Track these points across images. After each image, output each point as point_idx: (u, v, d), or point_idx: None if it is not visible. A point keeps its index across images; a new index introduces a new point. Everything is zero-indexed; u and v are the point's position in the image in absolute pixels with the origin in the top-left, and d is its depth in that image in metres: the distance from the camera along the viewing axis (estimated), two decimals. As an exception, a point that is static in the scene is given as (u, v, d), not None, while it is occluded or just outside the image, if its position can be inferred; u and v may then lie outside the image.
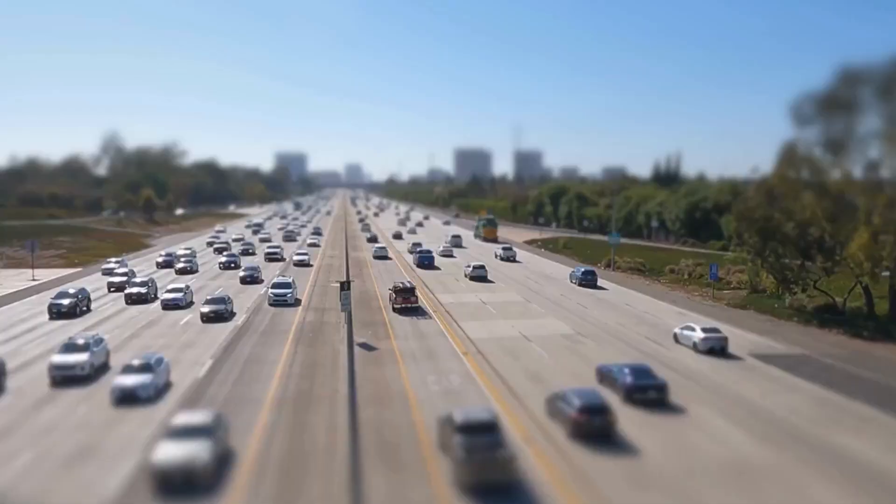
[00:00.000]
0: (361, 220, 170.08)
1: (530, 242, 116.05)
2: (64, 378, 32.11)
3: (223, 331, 44.16)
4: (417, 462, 23.22)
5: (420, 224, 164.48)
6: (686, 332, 40.81)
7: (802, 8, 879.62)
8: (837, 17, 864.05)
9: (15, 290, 62.77)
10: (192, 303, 53.63)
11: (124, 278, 63.26)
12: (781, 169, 49.49)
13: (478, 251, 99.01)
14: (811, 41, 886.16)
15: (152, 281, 58.97)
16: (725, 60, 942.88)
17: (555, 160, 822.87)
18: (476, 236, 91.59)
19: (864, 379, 34.32)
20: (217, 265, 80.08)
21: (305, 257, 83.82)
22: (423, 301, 56.10)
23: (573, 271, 69.85)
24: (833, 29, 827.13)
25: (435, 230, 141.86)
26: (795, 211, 48.46)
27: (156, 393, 30.02)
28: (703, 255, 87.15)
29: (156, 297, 55.76)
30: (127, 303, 54.46)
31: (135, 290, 55.55)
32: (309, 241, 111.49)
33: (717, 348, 38.79)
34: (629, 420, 27.16)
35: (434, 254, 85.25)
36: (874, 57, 49.05)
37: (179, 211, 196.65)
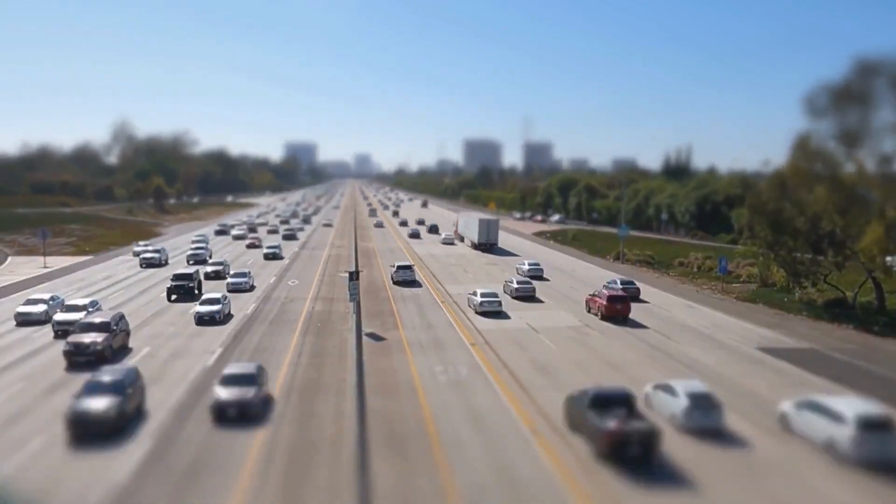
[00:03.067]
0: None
1: (538, 234, 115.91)
2: None
3: (231, 322, 44.45)
4: (425, 452, 23.28)
5: None
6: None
7: (813, 6, 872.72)
8: (849, 16, 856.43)
9: (27, 277, 63.25)
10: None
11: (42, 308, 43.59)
12: (794, 161, 49.12)
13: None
14: (822, 37, 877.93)
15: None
16: (736, 54, 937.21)
17: (564, 152, 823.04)
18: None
19: (874, 374, 34.15)
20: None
21: None
22: (432, 293, 56.22)
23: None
24: (844, 26, 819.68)
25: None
26: (807, 204, 48.14)
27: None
28: (712, 248, 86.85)
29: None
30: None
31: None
32: None
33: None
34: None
35: None
36: (890, 50, 48.48)
37: (195, 199, 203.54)
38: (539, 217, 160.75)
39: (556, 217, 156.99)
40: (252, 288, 56.37)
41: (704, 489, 20.77)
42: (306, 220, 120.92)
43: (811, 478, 21.74)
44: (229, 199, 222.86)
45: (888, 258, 45.48)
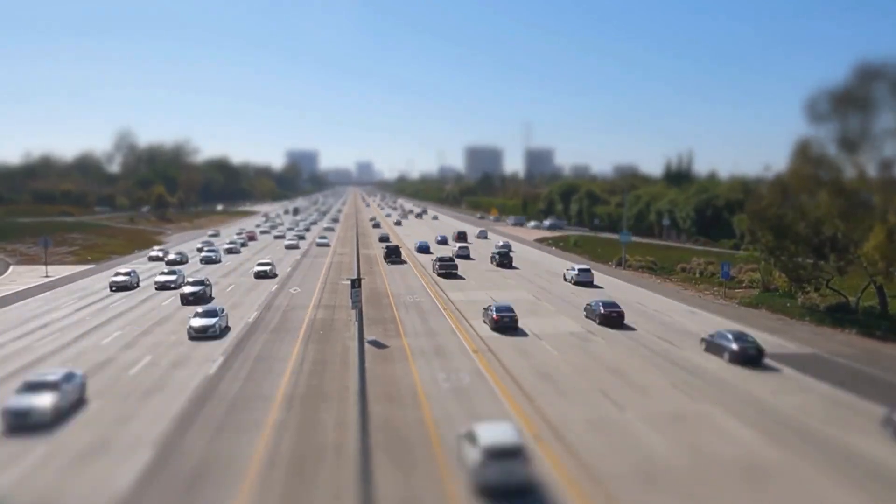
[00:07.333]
0: None
1: (540, 241, 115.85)
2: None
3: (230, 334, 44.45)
4: (427, 459, 23.22)
5: None
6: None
7: (815, 11, 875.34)
8: (851, 21, 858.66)
9: (29, 286, 63.29)
10: None
11: None
12: (795, 166, 49.13)
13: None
14: (824, 42, 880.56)
15: None
16: (737, 59, 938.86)
17: (566, 158, 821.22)
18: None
19: (877, 378, 34.06)
20: None
21: None
22: (434, 300, 56.17)
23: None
24: (846, 31, 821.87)
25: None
26: (809, 209, 48.12)
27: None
28: (714, 253, 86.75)
29: None
30: None
31: None
32: None
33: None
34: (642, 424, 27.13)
35: None
36: (891, 54, 48.65)
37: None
38: (508, 221, 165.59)
39: (547, 222, 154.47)
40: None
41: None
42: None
43: (817, 485, 21.70)
44: (219, 207, 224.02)
45: None
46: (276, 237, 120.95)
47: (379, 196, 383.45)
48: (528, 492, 20.71)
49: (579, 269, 67.24)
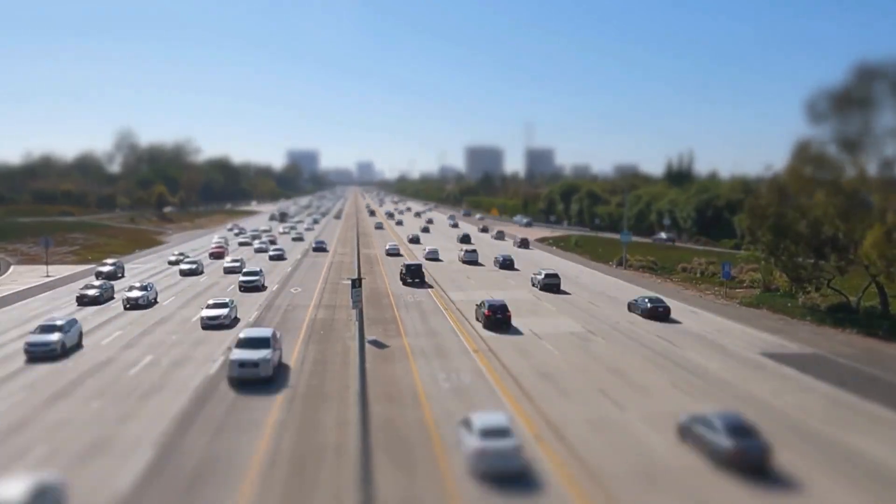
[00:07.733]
0: None
1: (542, 240, 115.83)
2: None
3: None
4: (428, 459, 23.22)
5: None
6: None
7: (814, 10, 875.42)
8: (851, 19, 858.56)
9: (30, 286, 63.36)
10: None
11: None
12: (795, 166, 49.13)
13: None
14: (825, 42, 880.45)
15: None
16: (738, 59, 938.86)
17: (566, 158, 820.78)
18: None
19: (878, 378, 34.03)
20: None
21: None
22: (434, 299, 56.21)
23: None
24: (847, 31, 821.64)
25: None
26: (808, 209, 48.10)
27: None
28: (715, 253, 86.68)
29: None
30: None
31: None
32: None
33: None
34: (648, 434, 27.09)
35: None
36: (891, 54, 48.64)
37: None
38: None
39: (524, 220, 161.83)
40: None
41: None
42: None
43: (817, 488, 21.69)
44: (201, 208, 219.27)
45: None
46: (228, 270, 72.52)
47: (374, 193, 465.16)
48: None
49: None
